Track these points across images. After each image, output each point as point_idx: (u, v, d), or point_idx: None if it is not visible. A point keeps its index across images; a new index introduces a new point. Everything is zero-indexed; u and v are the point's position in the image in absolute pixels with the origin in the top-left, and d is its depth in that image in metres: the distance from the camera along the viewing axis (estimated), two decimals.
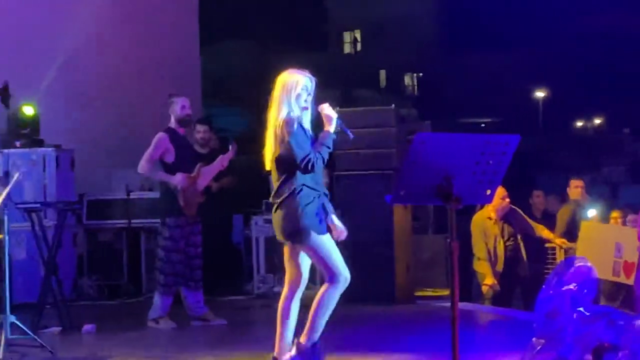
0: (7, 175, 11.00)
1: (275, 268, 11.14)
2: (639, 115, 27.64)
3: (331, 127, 6.54)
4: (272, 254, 11.32)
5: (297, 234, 6.46)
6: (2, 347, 7.64)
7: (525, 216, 11.57)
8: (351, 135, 6.67)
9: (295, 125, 6.39)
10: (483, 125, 35.67)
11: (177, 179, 9.14)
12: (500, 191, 10.73)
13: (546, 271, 10.96)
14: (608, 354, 5.26)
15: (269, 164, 6.57)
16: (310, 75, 6.58)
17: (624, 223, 10.83)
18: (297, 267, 6.63)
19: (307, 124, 6.54)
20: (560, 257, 11.09)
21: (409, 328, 9.18)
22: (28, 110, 11.55)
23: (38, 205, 9.71)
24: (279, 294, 10.71)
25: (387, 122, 10.80)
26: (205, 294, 9.61)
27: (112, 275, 11.83)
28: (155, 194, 10.86)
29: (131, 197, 11.73)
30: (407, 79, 45.20)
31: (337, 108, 6.83)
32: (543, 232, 11.40)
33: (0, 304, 7.99)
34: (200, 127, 11.56)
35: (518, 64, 35.01)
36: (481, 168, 5.11)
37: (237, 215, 12.96)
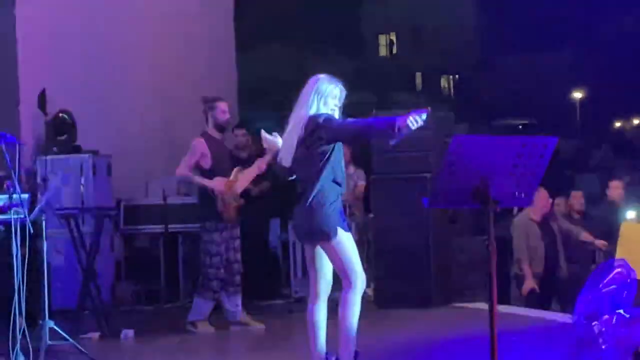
0: (45, 181, 11.07)
1: None
2: None
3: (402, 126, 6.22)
4: None
5: (322, 232, 6.39)
6: (42, 353, 7.68)
7: (564, 219, 11.51)
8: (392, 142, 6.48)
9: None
10: (520, 127, 35.50)
11: (215, 184, 9.15)
12: (543, 194, 10.70)
13: (586, 273, 10.88)
14: None
15: (288, 161, 6.52)
16: (342, 86, 6.56)
17: None
18: (320, 269, 6.57)
19: None
20: (599, 259, 11.01)
21: (447, 332, 9.14)
22: (65, 117, 11.61)
23: (76, 211, 9.76)
24: None
25: (423, 124, 10.74)
26: (244, 299, 9.61)
27: (150, 280, 11.86)
28: (192, 199, 10.89)
29: (168, 202, 11.75)
30: (443, 81, 45.12)
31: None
32: (582, 234, 11.33)
33: (39, 310, 8.03)
34: (238, 131, 11.64)
35: (554, 64, 34.84)
36: (519, 170, 5.08)
37: (274, 220, 12.96)
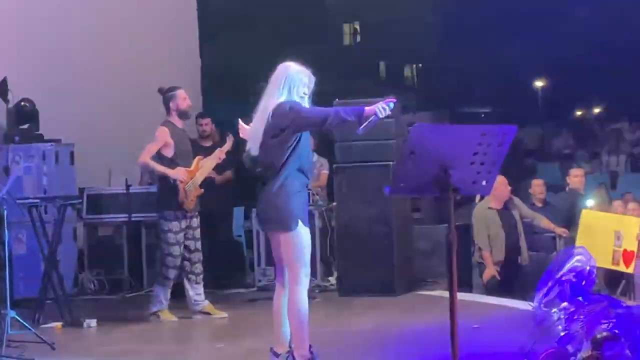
0: (6, 170, 11.01)
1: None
2: (637, 104, 27.60)
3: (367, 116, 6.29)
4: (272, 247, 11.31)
5: (282, 221, 6.37)
6: (3, 343, 7.65)
7: (525, 205, 11.59)
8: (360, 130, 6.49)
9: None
10: (482, 115, 35.64)
11: (176, 173, 9.14)
12: (501, 181, 10.75)
13: (547, 261, 10.97)
14: (607, 342, 5.27)
15: (256, 150, 6.50)
16: (311, 74, 6.55)
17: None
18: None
19: None
20: (560, 246, 11.11)
21: (409, 319, 9.19)
22: (27, 105, 11.54)
23: (37, 200, 9.71)
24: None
25: (390, 113, 10.76)
26: (206, 287, 9.63)
27: (113, 269, 11.84)
28: (155, 188, 10.87)
29: (131, 191, 11.72)
30: (406, 70, 45.14)
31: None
32: (543, 221, 11.43)
33: (0, 300, 8.00)
34: (202, 120, 11.63)
35: (517, 54, 34.94)
36: (479, 159, 5.12)
37: (238, 208, 12.97)
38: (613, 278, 10.27)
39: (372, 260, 10.52)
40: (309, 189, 6.63)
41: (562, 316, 5.48)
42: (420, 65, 44.22)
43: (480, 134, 5.07)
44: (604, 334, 5.26)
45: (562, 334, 5.42)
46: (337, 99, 10.59)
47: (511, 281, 10.99)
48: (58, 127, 11.78)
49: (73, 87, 12.82)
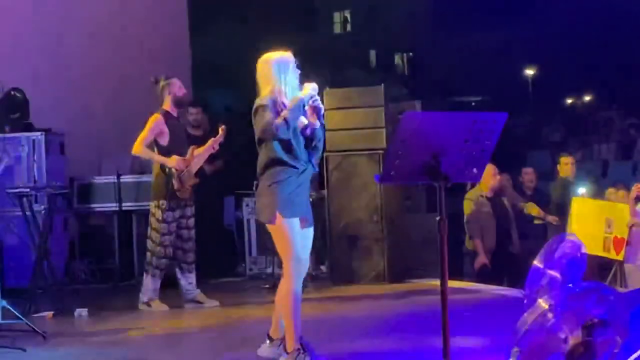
0: None
1: (267, 250, 11.16)
2: (629, 92, 27.63)
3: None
4: (263, 236, 11.32)
5: (267, 212, 6.36)
6: None
7: (516, 194, 11.61)
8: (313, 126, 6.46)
9: (269, 107, 6.29)
10: (473, 103, 35.64)
11: (172, 162, 9.14)
12: (491, 169, 10.77)
13: (538, 249, 10.99)
14: (598, 329, 5.27)
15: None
16: (294, 63, 6.51)
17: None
18: None
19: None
20: (551, 234, 11.13)
21: (400, 307, 9.21)
22: (17, 95, 11.51)
23: (28, 190, 9.70)
24: (271, 275, 10.84)
25: (377, 101, 10.79)
26: (198, 276, 9.63)
27: (104, 258, 11.84)
28: (146, 177, 10.87)
29: (122, 180, 11.71)
30: (397, 59, 45.12)
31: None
32: (533, 209, 11.45)
33: None
34: (193, 110, 11.62)
35: (508, 42, 34.95)
36: (469, 146, 5.11)
37: (229, 198, 12.96)
38: (603, 265, 10.30)
39: (364, 249, 10.54)
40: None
41: (552, 303, 5.48)
42: (410, 53, 44.21)
43: (471, 122, 5.06)
44: (595, 320, 5.26)
45: (553, 321, 5.42)
46: (327, 88, 10.60)
47: (502, 269, 11.02)
48: (48, 117, 11.75)
49: (63, 76, 12.79)
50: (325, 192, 11.17)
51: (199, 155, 9.41)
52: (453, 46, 35.53)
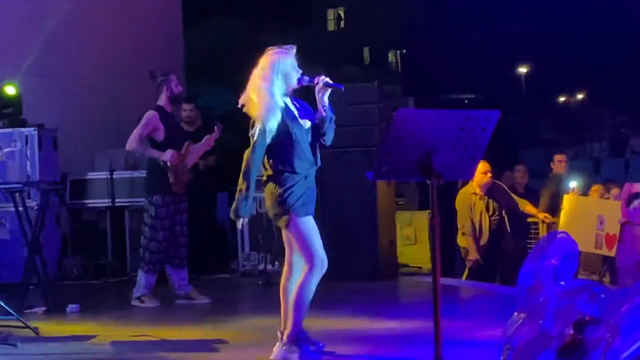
0: None
1: (260, 246, 11.16)
2: (621, 90, 27.71)
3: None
4: (256, 232, 11.33)
5: (278, 217, 6.46)
6: None
7: (509, 191, 11.63)
8: (341, 87, 6.52)
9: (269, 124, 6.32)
10: (466, 101, 35.68)
11: (168, 156, 9.14)
12: (483, 166, 10.78)
13: (529, 246, 11.02)
14: (590, 327, 5.28)
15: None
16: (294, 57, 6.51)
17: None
18: (290, 246, 6.62)
19: (289, 103, 6.48)
20: (543, 231, 11.15)
21: (392, 303, 9.21)
22: (10, 90, 11.49)
23: (21, 185, 9.68)
24: (264, 272, 10.84)
25: (370, 98, 10.80)
26: (190, 273, 9.63)
27: (97, 254, 11.82)
28: (139, 173, 10.86)
29: (114, 176, 11.70)
30: (390, 56, 45.16)
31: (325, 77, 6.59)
32: (526, 206, 11.46)
33: None
34: (186, 106, 11.60)
35: (500, 39, 35.00)
36: (462, 144, 5.12)
37: (222, 194, 12.95)
38: (595, 262, 10.33)
39: (356, 246, 10.54)
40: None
41: (544, 300, 5.49)
42: (404, 51, 44.24)
43: (464, 119, 5.08)
44: (586, 318, 5.27)
45: (544, 318, 5.43)
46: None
47: (494, 266, 11.03)
48: (41, 112, 11.74)
49: (56, 72, 12.78)
50: (318, 188, 11.14)
51: (193, 150, 9.43)
52: (446, 44, 35.57)
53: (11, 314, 7.93)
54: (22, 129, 11.26)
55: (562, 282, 5.48)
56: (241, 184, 6.42)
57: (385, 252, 10.72)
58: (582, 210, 10.38)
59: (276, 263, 11.13)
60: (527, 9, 34.66)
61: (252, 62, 6.54)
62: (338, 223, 10.64)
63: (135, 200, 11.20)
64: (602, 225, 10.09)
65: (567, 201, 10.68)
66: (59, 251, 11.73)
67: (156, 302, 9.32)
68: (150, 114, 9.24)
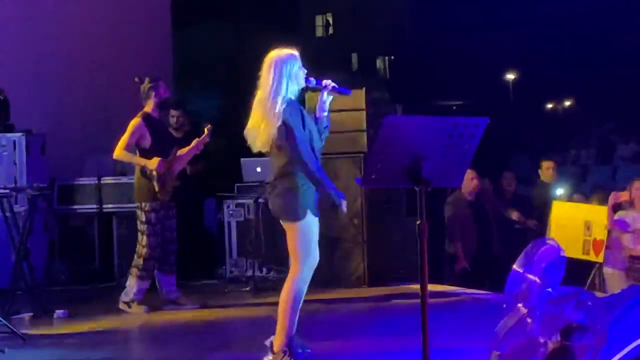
0: None
1: (248, 252, 11.15)
2: (608, 97, 27.81)
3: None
4: (244, 238, 11.33)
5: (291, 211, 6.43)
6: None
7: (497, 198, 11.65)
8: (349, 92, 6.58)
9: (296, 117, 6.34)
10: (454, 107, 35.76)
11: (154, 164, 9.13)
12: (469, 173, 10.80)
13: (518, 253, 11.02)
14: (577, 334, 5.30)
15: (262, 145, 6.47)
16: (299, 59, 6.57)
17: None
18: None
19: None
20: (531, 238, 11.16)
21: (380, 310, 9.22)
22: None
23: (8, 191, 9.66)
24: (252, 277, 10.82)
25: (358, 105, 10.81)
26: (178, 278, 9.62)
27: (84, 260, 11.80)
28: (127, 179, 10.83)
29: (102, 182, 11.68)
30: (379, 62, 45.22)
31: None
32: (514, 213, 11.49)
33: None
34: (174, 112, 11.58)
35: (488, 46, 35.08)
36: (450, 150, 5.13)
37: (209, 200, 12.94)
38: (581, 270, 10.34)
39: (344, 252, 10.54)
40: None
41: (531, 307, 5.51)
42: (392, 57, 44.31)
43: (452, 126, 5.08)
44: (574, 325, 5.29)
45: (532, 325, 5.45)
46: (308, 91, 10.59)
47: (483, 272, 11.05)
48: (29, 118, 11.71)
49: (44, 76, 12.76)
50: None
51: (182, 156, 9.42)
52: (434, 51, 35.64)
53: None
54: (10, 134, 11.24)
55: (550, 289, 5.50)
56: (316, 182, 6.42)
57: (373, 257, 10.71)
58: (569, 217, 10.40)
59: (264, 269, 11.13)
60: (515, 16, 34.76)
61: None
62: (326, 229, 10.62)
63: (123, 206, 11.18)
64: (590, 230, 10.12)
65: (554, 208, 10.70)
66: (47, 256, 11.70)
67: (145, 308, 9.30)
68: (135, 122, 9.22)
